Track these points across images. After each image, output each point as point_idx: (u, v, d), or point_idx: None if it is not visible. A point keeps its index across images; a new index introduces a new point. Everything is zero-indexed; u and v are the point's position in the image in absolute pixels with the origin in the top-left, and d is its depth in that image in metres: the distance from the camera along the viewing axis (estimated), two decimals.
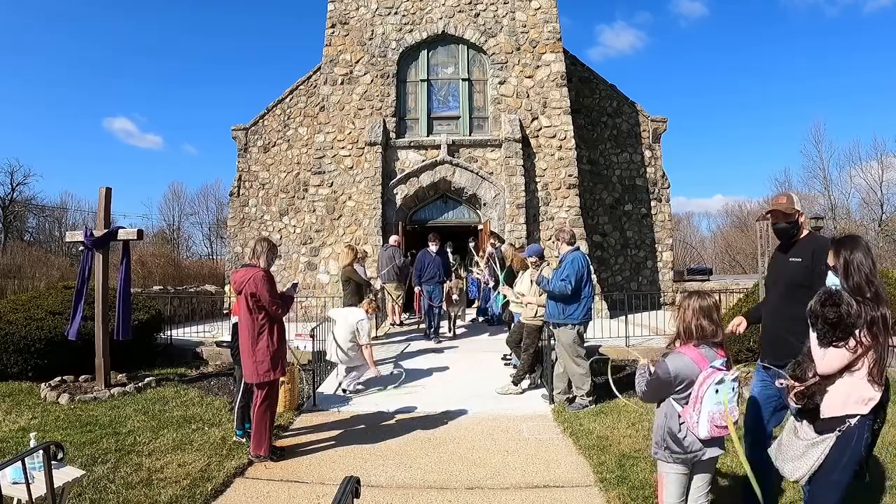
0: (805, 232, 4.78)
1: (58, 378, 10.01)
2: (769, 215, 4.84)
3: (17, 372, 10.27)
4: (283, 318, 6.79)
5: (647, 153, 22.53)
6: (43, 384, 9.70)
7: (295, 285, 7.39)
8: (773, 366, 4.32)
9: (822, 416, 3.51)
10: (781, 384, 3.71)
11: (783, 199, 4.76)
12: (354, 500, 2.66)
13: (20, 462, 3.42)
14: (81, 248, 10.14)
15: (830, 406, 3.51)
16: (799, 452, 3.59)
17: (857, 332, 3.38)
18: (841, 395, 3.48)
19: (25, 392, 9.61)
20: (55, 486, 3.70)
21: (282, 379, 8.28)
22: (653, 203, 22.41)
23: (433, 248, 14.17)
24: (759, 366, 4.70)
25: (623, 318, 12.96)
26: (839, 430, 3.47)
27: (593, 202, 21.92)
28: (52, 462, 3.63)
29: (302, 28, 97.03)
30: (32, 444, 4.21)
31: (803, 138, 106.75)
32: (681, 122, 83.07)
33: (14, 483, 3.75)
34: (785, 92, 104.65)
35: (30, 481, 3.53)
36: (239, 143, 23.41)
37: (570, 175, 18.92)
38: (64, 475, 4.25)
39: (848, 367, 3.45)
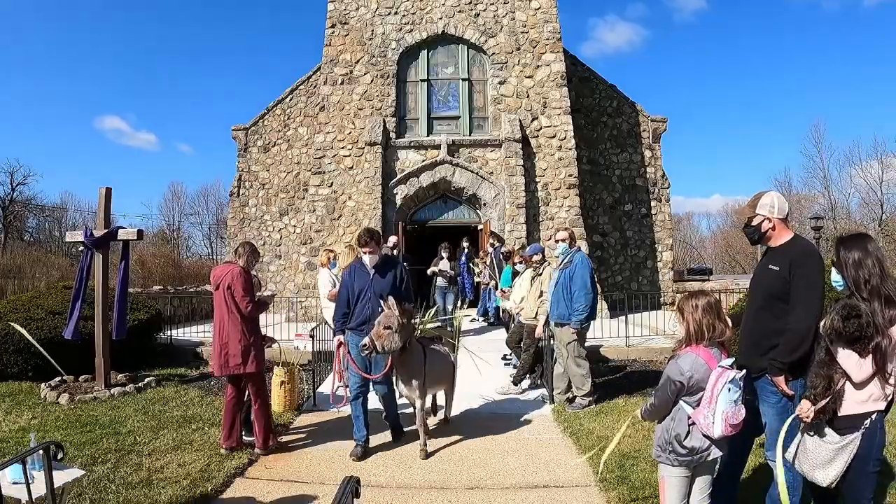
0: (788, 236, 4.44)
1: (58, 378, 9.99)
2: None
3: (17, 372, 10.28)
4: (262, 317, 7.18)
5: (647, 153, 22.54)
6: (43, 384, 9.69)
7: (272, 295, 7.94)
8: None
9: (844, 414, 3.60)
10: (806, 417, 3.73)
11: (750, 199, 4.54)
12: (354, 499, 2.66)
13: (20, 462, 3.42)
14: (81, 248, 10.14)
15: (854, 404, 3.60)
16: (829, 457, 3.64)
17: (877, 339, 3.49)
18: (864, 393, 3.58)
19: (25, 392, 9.61)
20: (55, 486, 3.70)
21: (282, 379, 8.33)
22: (653, 203, 22.42)
23: (367, 259, 6.84)
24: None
25: (623, 318, 12.95)
26: (864, 427, 3.57)
27: (593, 202, 21.93)
28: (52, 462, 3.63)
29: (299, 24, 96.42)
30: (32, 444, 4.20)
31: (803, 138, 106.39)
32: (677, 120, 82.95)
33: (14, 483, 3.74)
34: (784, 91, 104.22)
35: (30, 481, 3.53)
36: (239, 143, 23.44)
37: (570, 175, 18.93)
38: (64, 475, 4.24)
39: (879, 370, 3.55)
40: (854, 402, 3.58)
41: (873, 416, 3.59)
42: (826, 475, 3.63)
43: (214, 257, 56.64)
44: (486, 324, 16.07)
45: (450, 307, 13.73)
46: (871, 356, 3.49)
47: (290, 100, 23.39)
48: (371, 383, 6.84)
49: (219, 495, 5.49)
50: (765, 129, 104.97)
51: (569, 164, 18.99)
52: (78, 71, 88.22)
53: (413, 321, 6.73)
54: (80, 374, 10.23)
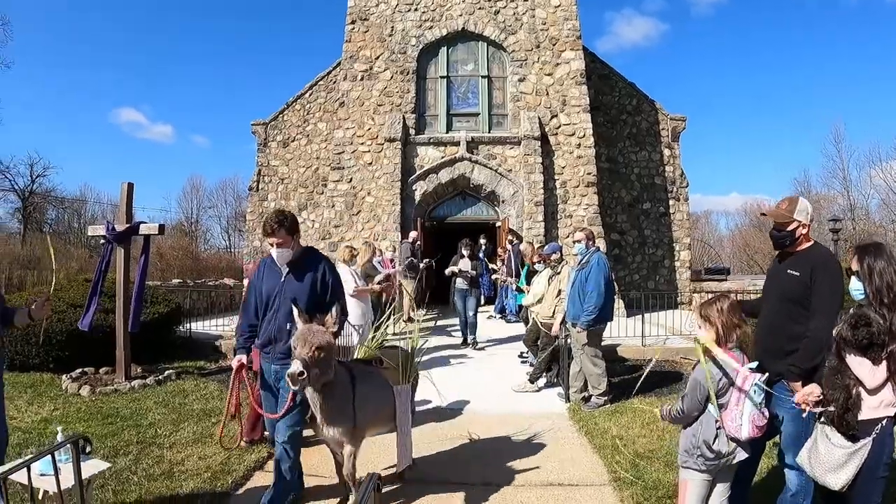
0: (809, 243, 4.46)
1: (78, 370, 10.14)
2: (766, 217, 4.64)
3: (39, 363, 10.42)
4: None
5: (666, 152, 22.48)
6: (64, 376, 9.84)
7: None
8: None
9: (859, 419, 3.64)
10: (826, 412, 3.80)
11: (784, 203, 4.47)
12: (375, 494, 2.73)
13: (49, 455, 3.52)
14: (102, 241, 10.28)
15: (866, 409, 3.65)
16: (840, 461, 3.68)
17: (892, 346, 3.55)
18: (877, 399, 3.63)
19: (46, 383, 9.76)
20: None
21: None
22: (671, 202, 22.36)
23: (276, 254, 5.03)
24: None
25: (640, 317, 12.96)
26: (875, 433, 3.62)
27: (611, 200, 21.91)
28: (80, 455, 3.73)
29: (316, 18, 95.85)
30: (60, 437, 4.31)
31: (823, 137, 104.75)
32: (695, 115, 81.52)
33: (42, 475, 3.85)
34: (805, 87, 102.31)
35: (58, 474, 3.63)
36: (258, 137, 23.65)
37: (588, 173, 18.96)
38: (90, 468, 4.34)
39: (893, 376, 3.60)
40: (866, 408, 3.63)
41: (884, 422, 3.64)
42: (838, 479, 3.67)
43: (232, 250, 56.89)
44: (503, 321, 16.13)
45: (470, 313, 12.82)
46: (884, 363, 3.54)
47: (310, 95, 23.55)
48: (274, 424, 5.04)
49: (239, 488, 5.59)
50: (785, 126, 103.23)
51: (587, 162, 19.03)
52: (93, 63, 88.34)
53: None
54: (99, 366, 10.36)
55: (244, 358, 5.05)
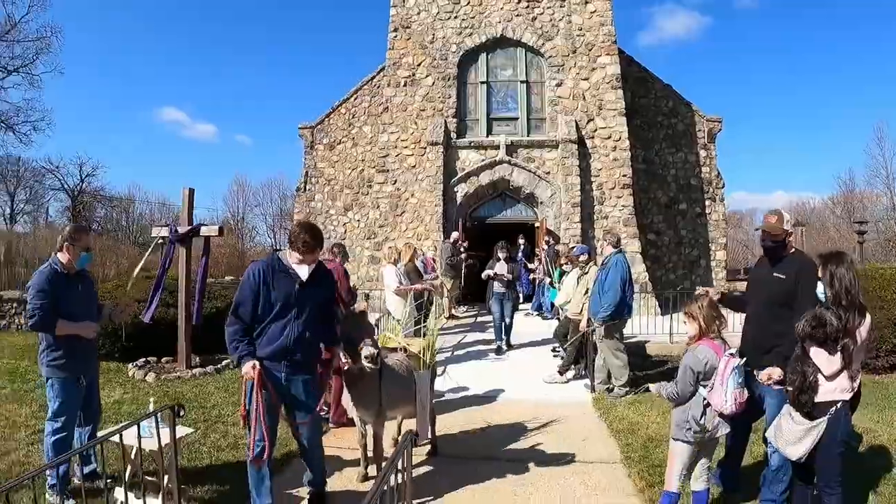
0: (791, 250, 5.13)
1: (142, 359, 11.10)
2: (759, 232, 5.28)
3: (106, 353, 11.33)
4: None
5: (703, 153, 22.82)
6: (130, 364, 10.83)
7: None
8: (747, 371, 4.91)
9: (816, 401, 4.29)
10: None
11: (772, 218, 5.11)
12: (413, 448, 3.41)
13: (153, 417, 4.34)
14: (160, 241, 11.16)
15: (824, 392, 4.30)
16: (798, 436, 4.35)
17: (844, 340, 4.21)
18: (833, 384, 4.29)
19: (114, 371, 10.73)
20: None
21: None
22: (707, 202, 22.69)
23: (304, 271, 4.91)
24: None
25: (672, 315, 13.41)
26: (830, 414, 4.27)
27: (648, 201, 22.33)
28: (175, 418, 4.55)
29: (351, 18, 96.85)
30: (151, 407, 5.15)
31: (867, 137, 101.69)
32: (739, 113, 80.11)
33: (142, 437, 4.62)
34: (851, 83, 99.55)
35: (152, 436, 4.46)
36: (305, 140, 24.50)
37: (624, 175, 19.49)
38: (180, 431, 5.24)
39: (847, 366, 4.26)
40: (823, 391, 4.29)
41: (839, 405, 4.28)
42: (796, 451, 4.35)
43: (278, 248, 57.76)
44: (539, 318, 16.70)
45: (507, 319, 12.43)
46: (839, 354, 4.19)
47: (355, 99, 24.35)
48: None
49: (293, 458, 6.30)
50: (832, 124, 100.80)
51: (623, 164, 19.57)
52: (136, 61, 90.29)
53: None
54: (161, 356, 11.30)
55: (256, 362, 4.70)
